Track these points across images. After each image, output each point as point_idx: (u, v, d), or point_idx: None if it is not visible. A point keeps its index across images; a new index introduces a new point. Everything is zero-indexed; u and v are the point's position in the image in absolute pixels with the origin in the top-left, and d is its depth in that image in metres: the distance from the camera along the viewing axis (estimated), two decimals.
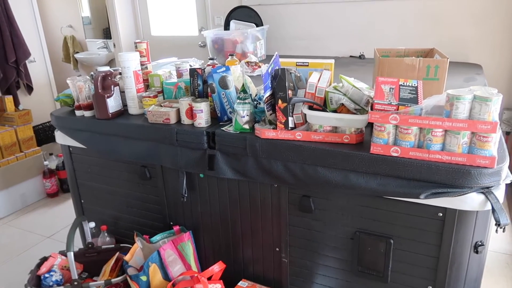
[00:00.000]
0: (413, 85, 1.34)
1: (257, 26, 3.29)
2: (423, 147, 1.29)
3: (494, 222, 1.23)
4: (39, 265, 1.88)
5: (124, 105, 1.92)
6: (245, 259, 1.82)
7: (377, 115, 1.29)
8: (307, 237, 1.63)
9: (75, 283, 1.73)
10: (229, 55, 2.08)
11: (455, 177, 1.24)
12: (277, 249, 1.71)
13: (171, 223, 1.94)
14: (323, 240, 1.60)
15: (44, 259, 1.92)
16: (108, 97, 1.81)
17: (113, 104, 1.84)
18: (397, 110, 1.29)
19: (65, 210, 2.99)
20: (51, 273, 1.84)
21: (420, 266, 1.44)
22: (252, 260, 1.81)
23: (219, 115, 1.71)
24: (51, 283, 1.80)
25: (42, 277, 1.83)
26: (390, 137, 1.32)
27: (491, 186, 1.25)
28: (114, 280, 1.77)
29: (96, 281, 1.78)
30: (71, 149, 2.10)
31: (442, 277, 1.41)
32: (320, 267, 1.65)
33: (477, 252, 1.37)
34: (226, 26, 3.40)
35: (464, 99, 1.20)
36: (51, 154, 3.34)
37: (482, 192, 1.26)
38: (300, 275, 1.71)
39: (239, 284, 1.77)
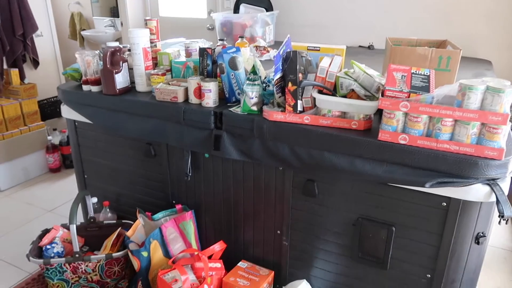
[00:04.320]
0: (425, 73, 1.34)
1: (267, 10, 3.26)
2: (432, 136, 1.28)
3: (498, 214, 1.23)
4: (41, 237, 1.89)
5: (132, 82, 1.92)
6: (246, 240, 1.83)
7: (387, 101, 1.29)
8: (309, 221, 1.64)
9: (77, 255, 1.75)
10: (239, 37, 2.06)
11: (462, 167, 1.25)
12: (278, 232, 1.72)
13: (174, 201, 1.95)
14: (325, 225, 1.61)
15: (46, 231, 1.93)
16: (116, 72, 1.80)
17: (121, 80, 1.83)
18: (408, 97, 1.28)
19: (67, 186, 3.00)
20: (53, 244, 1.85)
21: (421, 254, 1.45)
22: (252, 242, 1.82)
23: (227, 95, 1.71)
24: (52, 255, 1.82)
25: (43, 249, 1.84)
26: (399, 125, 1.32)
27: (497, 178, 1.26)
28: (115, 254, 1.78)
29: (97, 255, 1.80)
30: (76, 123, 2.09)
31: (441, 266, 1.42)
32: (321, 252, 1.66)
33: (478, 243, 1.38)
34: (236, 10, 3.37)
35: (476, 89, 1.19)
36: (54, 130, 3.34)
37: (487, 184, 1.26)
38: (300, 259, 1.73)
39: (238, 264, 1.79)
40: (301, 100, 1.49)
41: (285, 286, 1.73)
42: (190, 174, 1.79)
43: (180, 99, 1.72)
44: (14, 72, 3.06)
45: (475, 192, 1.27)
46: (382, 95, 1.32)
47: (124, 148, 1.99)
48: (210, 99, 1.66)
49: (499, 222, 1.26)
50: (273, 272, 1.76)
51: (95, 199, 2.12)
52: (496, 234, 2.40)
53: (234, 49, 1.66)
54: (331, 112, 1.45)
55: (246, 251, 1.86)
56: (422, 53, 1.59)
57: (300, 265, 1.73)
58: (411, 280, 1.51)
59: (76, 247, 1.75)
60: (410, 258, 1.48)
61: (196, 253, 1.72)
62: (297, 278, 1.73)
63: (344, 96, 1.47)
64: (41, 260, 1.74)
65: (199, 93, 1.68)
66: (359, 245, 1.55)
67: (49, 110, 3.50)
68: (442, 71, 1.58)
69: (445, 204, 1.35)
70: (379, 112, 1.41)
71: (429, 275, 1.46)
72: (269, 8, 3.31)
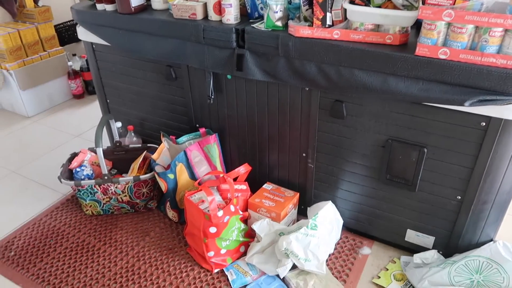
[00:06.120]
0: None
1: None
2: (477, 49, 1.16)
3: None
4: (70, 160, 1.94)
5: (147, 0, 1.80)
6: (271, 163, 1.82)
7: (429, 10, 1.15)
8: (335, 144, 1.59)
9: (106, 177, 1.79)
10: None
11: (508, 84, 1.14)
12: (304, 154, 1.69)
13: (197, 125, 1.93)
14: (352, 147, 1.56)
15: (75, 154, 1.97)
16: None
17: None
18: (453, 4, 1.14)
19: (91, 111, 3.02)
20: (82, 167, 1.90)
21: (452, 176, 1.41)
22: (277, 164, 1.81)
23: (249, 11, 1.58)
24: (82, 177, 1.87)
25: (74, 171, 1.90)
26: (440, 37, 1.19)
27: None
28: (142, 176, 1.82)
29: (125, 177, 1.84)
30: (94, 46, 2.02)
31: (473, 188, 1.38)
32: (347, 174, 1.64)
33: None
34: None
35: None
36: (74, 55, 3.28)
37: None
38: (326, 181, 1.71)
39: (264, 186, 1.80)
40: (331, 12, 1.36)
41: (310, 207, 1.74)
42: (212, 96, 1.74)
43: (199, 15, 1.61)
44: None
45: None
46: (423, 3, 1.18)
47: (144, 71, 1.93)
48: (231, 15, 1.54)
49: None
50: (298, 193, 1.77)
51: (119, 124, 2.13)
52: None
53: None
54: (364, 25, 1.32)
55: (271, 173, 1.85)
56: None
57: (326, 187, 1.73)
58: (440, 201, 1.48)
59: (104, 169, 1.78)
60: (441, 180, 1.44)
61: (221, 175, 1.73)
62: (322, 200, 1.73)
63: (379, 7, 1.33)
64: (72, 182, 1.80)
65: (219, 8, 1.56)
66: (387, 167, 1.51)
67: (66, 34, 3.42)
68: None
69: (484, 124, 1.26)
70: (418, 26, 1.27)
71: (460, 197, 1.43)
72: None
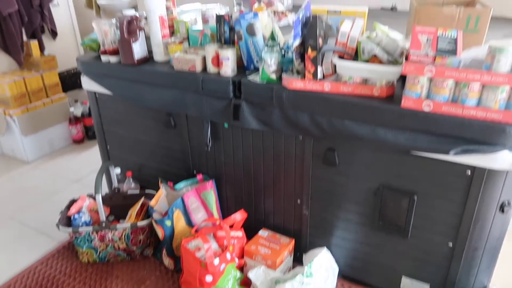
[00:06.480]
0: (452, 35, 1.27)
1: None
2: (458, 102, 1.24)
3: None
4: (68, 206, 1.96)
5: (149, 51, 1.90)
6: (266, 209, 1.85)
7: (412, 66, 1.24)
8: (329, 191, 1.63)
9: (103, 224, 1.81)
10: (256, 1, 2.00)
11: (489, 134, 1.20)
12: (299, 201, 1.73)
13: (195, 171, 1.98)
14: (345, 194, 1.60)
15: (73, 201, 2.00)
16: (134, 41, 1.78)
17: (138, 49, 1.82)
18: (434, 62, 1.23)
19: (91, 156, 3.07)
20: (80, 214, 1.91)
21: (443, 223, 1.44)
22: (273, 211, 1.84)
23: (245, 63, 1.68)
24: (80, 223, 1.89)
25: (72, 218, 1.91)
26: (423, 91, 1.27)
27: None
28: (140, 223, 1.83)
29: (122, 224, 1.85)
30: (97, 95, 2.11)
31: (464, 235, 1.41)
32: (341, 221, 1.67)
33: (503, 211, 1.35)
34: None
35: (507, 51, 1.13)
36: (76, 101, 3.38)
37: None
38: (320, 228, 1.74)
39: (259, 233, 1.82)
40: (321, 66, 1.45)
41: (306, 253, 1.75)
42: (210, 144, 1.80)
43: (198, 68, 1.70)
44: (34, 44, 3.07)
45: (502, 160, 1.23)
46: (406, 60, 1.27)
47: (144, 119, 2.01)
48: (229, 68, 1.63)
49: None
50: (294, 240, 1.78)
51: (118, 170, 2.17)
52: None
53: (251, 15, 1.60)
54: (352, 78, 1.41)
55: (266, 220, 1.88)
56: (449, 13, 1.51)
57: (320, 233, 1.75)
58: (432, 248, 1.50)
59: (103, 216, 1.81)
60: (432, 227, 1.47)
61: (218, 222, 1.75)
62: (317, 246, 1.75)
63: (366, 62, 1.42)
64: (70, 229, 1.81)
65: (217, 61, 1.66)
66: (379, 214, 1.54)
67: (69, 81, 3.53)
68: (470, 32, 1.51)
69: (469, 172, 1.31)
70: (402, 79, 1.36)
71: (451, 244, 1.45)
72: None
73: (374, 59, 1.42)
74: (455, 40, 1.26)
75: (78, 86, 3.58)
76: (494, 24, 2.34)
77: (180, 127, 1.90)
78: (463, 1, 1.77)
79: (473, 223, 1.37)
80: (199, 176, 1.93)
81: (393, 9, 2.95)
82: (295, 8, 3.07)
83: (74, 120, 3.20)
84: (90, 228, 1.82)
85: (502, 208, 1.35)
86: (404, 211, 1.48)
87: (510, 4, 2.64)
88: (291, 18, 2.52)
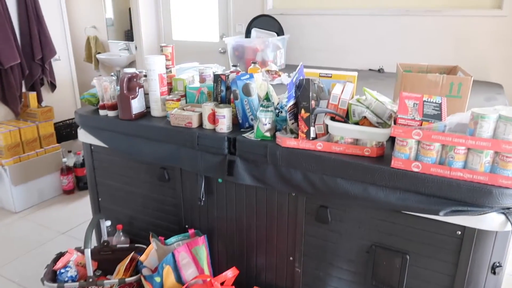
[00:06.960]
0: (437, 101, 1.35)
1: (278, 35, 3.32)
2: (445, 164, 1.29)
3: None
4: (55, 260, 1.91)
5: (147, 107, 1.96)
6: (258, 266, 1.83)
7: (400, 129, 1.30)
8: (322, 248, 1.63)
9: (90, 279, 1.76)
10: (252, 62, 2.11)
11: (476, 196, 1.24)
12: (291, 258, 1.72)
13: (187, 226, 1.96)
14: (338, 252, 1.60)
15: (61, 254, 1.95)
16: (133, 98, 1.84)
17: (137, 105, 1.88)
18: (421, 125, 1.29)
19: (80, 208, 3.04)
20: (67, 268, 1.87)
21: (435, 283, 1.43)
22: (265, 268, 1.81)
23: (240, 121, 1.74)
24: (66, 279, 1.83)
25: (58, 272, 1.86)
26: (412, 152, 1.32)
27: None
28: (128, 279, 1.79)
29: (110, 279, 1.80)
30: (92, 147, 2.14)
31: None
32: (334, 279, 1.65)
33: (494, 273, 1.36)
34: (247, 34, 3.44)
35: (489, 118, 1.20)
36: (69, 152, 3.40)
37: (503, 213, 1.25)
38: (313, 286, 1.71)
39: None
40: (314, 127, 1.51)
41: None
42: (203, 198, 1.81)
43: (195, 124, 1.76)
44: (32, 95, 3.14)
45: (490, 221, 1.26)
46: (395, 123, 1.33)
47: (138, 172, 2.02)
48: (224, 125, 1.69)
49: None
50: None
51: (108, 222, 2.15)
52: None
53: (247, 76, 1.69)
54: (344, 139, 1.46)
55: (258, 277, 1.85)
56: (433, 79, 1.61)
57: None
58: None
59: (90, 271, 1.76)
60: (425, 287, 1.46)
61: (208, 279, 1.72)
62: None
63: (357, 123, 1.49)
64: (55, 285, 1.76)
65: (213, 118, 1.71)
66: (372, 273, 1.54)
67: (64, 132, 3.58)
68: (454, 97, 1.59)
69: (459, 232, 1.34)
70: (392, 139, 1.42)
71: None
72: (280, 32, 3.38)
73: (364, 121, 1.48)
74: (440, 106, 1.34)
75: (73, 136, 3.62)
76: (476, 87, 2.48)
77: (174, 180, 1.91)
78: (446, 68, 1.89)
79: (466, 285, 1.37)
80: (191, 231, 1.92)
81: (380, 70, 3.11)
82: (287, 68, 3.23)
83: (66, 170, 3.20)
84: (76, 284, 1.76)
85: (493, 270, 1.35)
86: (397, 270, 1.48)
87: (490, 69, 2.81)
88: (283, 77, 2.64)
